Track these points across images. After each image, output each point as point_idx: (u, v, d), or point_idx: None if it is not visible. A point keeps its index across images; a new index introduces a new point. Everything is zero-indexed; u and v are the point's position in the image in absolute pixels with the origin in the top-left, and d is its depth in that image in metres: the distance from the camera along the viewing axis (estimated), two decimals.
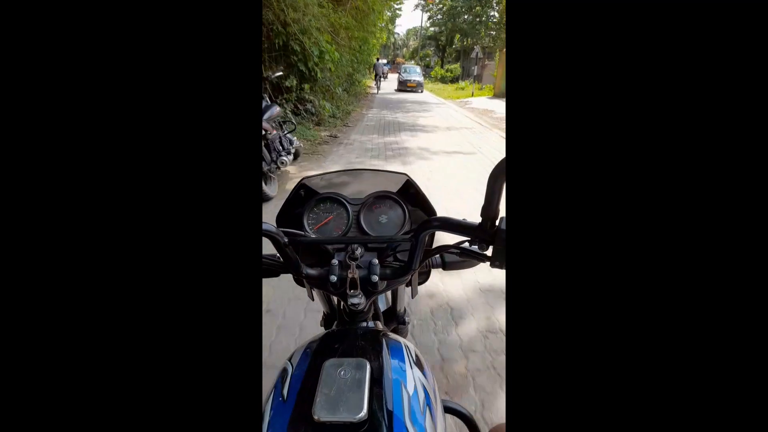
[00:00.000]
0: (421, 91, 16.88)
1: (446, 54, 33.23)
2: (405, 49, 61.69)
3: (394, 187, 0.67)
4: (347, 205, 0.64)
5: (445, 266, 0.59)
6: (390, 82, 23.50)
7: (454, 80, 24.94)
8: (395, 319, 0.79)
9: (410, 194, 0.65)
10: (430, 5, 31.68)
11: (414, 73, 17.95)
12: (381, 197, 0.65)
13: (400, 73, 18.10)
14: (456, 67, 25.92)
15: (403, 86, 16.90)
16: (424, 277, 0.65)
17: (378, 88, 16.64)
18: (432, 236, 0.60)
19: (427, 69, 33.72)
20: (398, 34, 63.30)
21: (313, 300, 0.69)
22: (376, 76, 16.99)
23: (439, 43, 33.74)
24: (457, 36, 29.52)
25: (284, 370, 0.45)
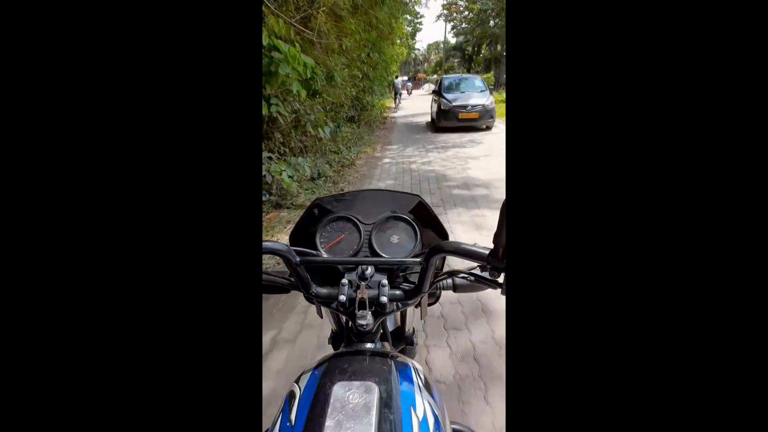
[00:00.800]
0: (490, 127, 7.74)
1: (473, 63, 29.81)
2: (426, 64, 59.01)
3: (406, 207, 0.68)
4: (359, 225, 0.65)
5: (456, 289, 0.58)
6: (414, 100, 20.50)
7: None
8: (403, 339, 0.77)
9: (423, 215, 0.66)
10: (454, 14, 28.59)
11: (473, 89, 8.16)
12: (393, 218, 0.66)
13: (440, 94, 8.08)
14: (489, 76, 22.31)
15: (453, 120, 7.54)
16: (434, 299, 0.65)
17: (397, 107, 14.61)
18: (443, 259, 0.59)
19: None
20: (419, 49, 61.14)
21: (322, 318, 0.70)
22: (395, 95, 15.16)
23: (466, 53, 30.42)
24: (484, 46, 26.09)
25: (292, 393, 0.45)
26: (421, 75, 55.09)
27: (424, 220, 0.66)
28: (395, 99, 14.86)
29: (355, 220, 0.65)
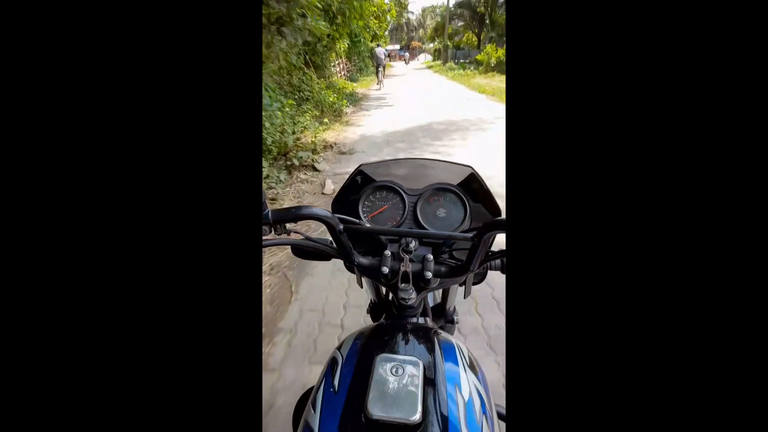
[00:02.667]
0: None
1: (486, 28, 22.06)
2: (422, 31, 50.30)
3: (456, 179, 0.63)
4: (404, 195, 0.62)
5: (504, 270, 0.54)
6: (408, 76, 13.56)
7: None
8: (443, 317, 0.75)
9: (473, 189, 0.62)
10: None
11: None
12: (441, 189, 0.62)
13: None
14: None
15: None
16: (480, 277, 0.61)
17: (380, 85, 10.93)
18: (494, 237, 0.58)
19: (458, 52, 22.68)
20: (412, 13, 52.22)
21: (362, 287, 0.69)
22: (377, 68, 11.41)
23: (477, 11, 22.55)
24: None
25: (334, 360, 0.44)
26: (415, 43, 47.24)
27: (475, 194, 0.61)
28: (377, 74, 11.46)
29: (399, 189, 0.62)
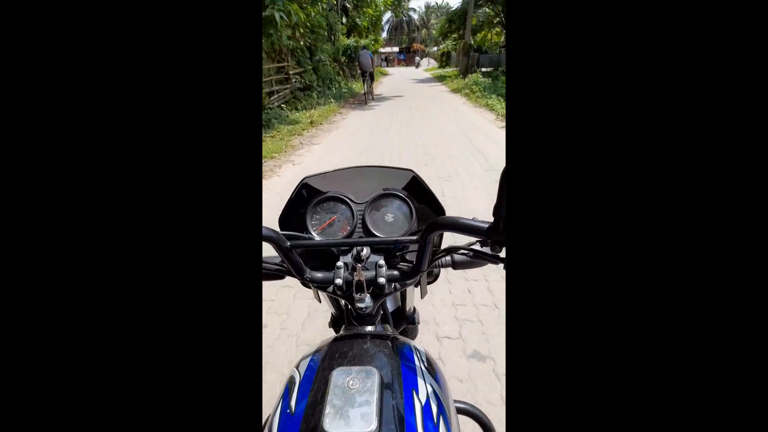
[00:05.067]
0: None
1: None
2: (425, 30, 43.02)
3: (400, 183, 0.65)
4: (351, 204, 0.63)
5: (455, 266, 0.57)
6: (409, 103, 6.73)
7: None
8: (405, 319, 0.75)
9: (417, 191, 0.64)
10: None
11: None
12: (386, 195, 0.63)
13: None
14: None
15: None
16: (433, 277, 0.64)
17: (370, 96, 8.83)
18: (441, 236, 0.60)
19: (482, 57, 15.12)
20: (414, 10, 44.94)
21: (320, 302, 0.68)
22: (363, 76, 8.81)
23: None
24: None
25: (291, 379, 0.45)
26: (417, 46, 39.81)
27: (419, 195, 0.63)
28: (364, 85, 8.81)
29: (346, 199, 0.63)
